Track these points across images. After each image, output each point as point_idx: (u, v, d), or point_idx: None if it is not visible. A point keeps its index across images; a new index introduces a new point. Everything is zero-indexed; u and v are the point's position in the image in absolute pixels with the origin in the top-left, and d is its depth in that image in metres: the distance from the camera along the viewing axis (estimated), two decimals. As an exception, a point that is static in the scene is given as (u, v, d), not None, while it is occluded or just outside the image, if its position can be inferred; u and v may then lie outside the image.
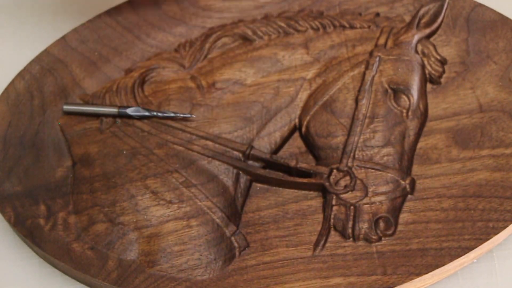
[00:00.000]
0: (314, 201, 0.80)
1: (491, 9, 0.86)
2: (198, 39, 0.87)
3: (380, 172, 0.79)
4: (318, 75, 0.84)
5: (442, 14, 0.85)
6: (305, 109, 0.83)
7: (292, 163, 0.80)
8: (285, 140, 0.83)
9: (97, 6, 0.91)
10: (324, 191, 0.80)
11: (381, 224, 0.78)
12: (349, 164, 0.79)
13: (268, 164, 0.81)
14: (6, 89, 0.86)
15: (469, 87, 0.82)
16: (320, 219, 0.79)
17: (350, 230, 0.78)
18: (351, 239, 0.78)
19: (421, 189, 0.80)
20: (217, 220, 0.79)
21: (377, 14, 0.87)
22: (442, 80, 0.84)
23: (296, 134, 0.83)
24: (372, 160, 0.80)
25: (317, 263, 0.77)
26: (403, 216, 0.79)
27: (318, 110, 0.82)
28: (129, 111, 0.83)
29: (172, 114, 0.83)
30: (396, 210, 0.79)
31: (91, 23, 0.89)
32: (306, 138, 0.82)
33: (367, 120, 0.81)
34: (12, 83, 0.86)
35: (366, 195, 0.78)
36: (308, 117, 0.82)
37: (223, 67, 0.85)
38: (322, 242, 0.78)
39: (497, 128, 0.81)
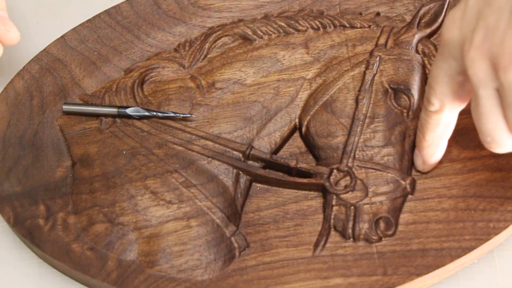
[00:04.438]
0: (314, 201, 0.80)
1: (492, 9, 0.86)
2: (198, 38, 0.87)
3: (380, 172, 0.79)
4: (318, 75, 0.84)
5: (443, 13, 0.85)
6: (305, 109, 0.83)
7: (292, 163, 0.80)
8: (285, 140, 0.83)
9: (96, 5, 0.90)
10: (324, 191, 0.80)
11: (382, 224, 0.78)
12: (350, 164, 0.79)
13: (268, 164, 0.81)
14: (5, 89, 0.86)
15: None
16: (320, 220, 0.79)
17: (350, 230, 0.78)
18: (351, 239, 0.78)
19: (421, 189, 0.79)
20: (217, 221, 0.79)
21: (378, 14, 0.87)
22: (443, 80, 0.84)
23: (296, 134, 0.83)
24: (372, 160, 0.79)
25: (317, 264, 0.77)
26: (404, 216, 0.79)
27: (318, 110, 0.82)
28: (129, 111, 0.83)
29: (172, 114, 0.83)
30: (396, 210, 0.78)
31: (90, 22, 0.88)
32: (306, 138, 0.82)
33: (367, 120, 0.81)
34: (11, 82, 0.86)
35: (366, 195, 0.78)
36: (308, 117, 0.82)
37: (223, 67, 0.85)
38: (322, 243, 0.78)
39: (498, 128, 0.81)
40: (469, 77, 0.69)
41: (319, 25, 0.86)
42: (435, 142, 0.78)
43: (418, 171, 0.80)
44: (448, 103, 0.74)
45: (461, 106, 0.75)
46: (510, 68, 0.66)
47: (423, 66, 0.83)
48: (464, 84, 0.72)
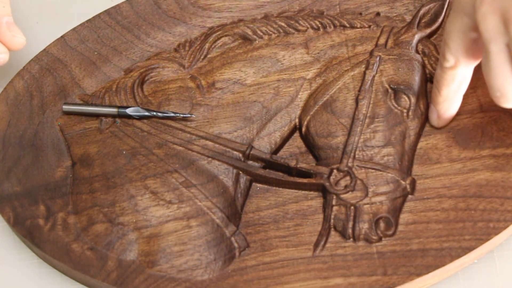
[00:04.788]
0: (314, 201, 0.80)
1: (492, 9, 0.86)
2: (198, 38, 0.87)
3: (380, 172, 0.79)
4: (318, 75, 0.84)
5: (443, 13, 0.85)
6: (305, 109, 0.83)
7: (292, 163, 0.80)
8: (285, 140, 0.83)
9: (96, 5, 0.90)
10: (324, 191, 0.80)
11: (382, 225, 0.78)
12: (350, 164, 0.79)
13: (268, 164, 0.81)
14: (5, 89, 0.86)
15: (469, 86, 0.82)
16: (320, 220, 0.79)
17: (350, 231, 0.78)
18: (351, 239, 0.78)
19: (421, 189, 0.79)
20: (217, 221, 0.79)
21: (378, 14, 0.87)
22: (443, 80, 0.83)
23: (296, 134, 0.83)
24: (372, 160, 0.79)
25: (317, 264, 0.77)
26: (404, 216, 0.78)
27: (318, 110, 0.82)
28: (129, 111, 0.83)
29: (172, 114, 0.83)
30: (396, 210, 0.78)
31: (90, 22, 0.88)
32: (306, 138, 0.82)
33: (367, 120, 0.81)
34: (11, 82, 0.86)
35: (366, 195, 0.78)
36: (308, 117, 0.82)
37: (223, 67, 0.85)
38: (322, 243, 0.78)
39: (497, 128, 0.81)
40: (480, 32, 0.70)
41: (319, 25, 0.86)
42: (450, 97, 0.79)
43: (419, 170, 0.80)
44: (462, 59, 0.75)
45: (475, 62, 0.76)
46: None
47: (423, 66, 0.83)
48: (477, 40, 0.73)
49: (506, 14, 0.68)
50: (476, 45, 0.74)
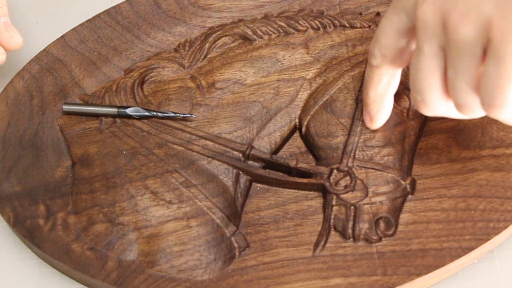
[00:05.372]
0: (314, 201, 0.80)
1: (492, 9, 0.86)
2: (198, 38, 0.87)
3: (380, 172, 0.79)
4: (318, 75, 0.84)
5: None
6: (305, 109, 0.83)
7: (292, 163, 0.80)
8: (285, 140, 0.83)
9: (96, 5, 0.90)
10: (324, 191, 0.80)
11: (382, 225, 0.78)
12: (350, 164, 0.79)
13: (268, 164, 0.81)
14: (5, 89, 0.86)
15: (469, 87, 0.82)
16: (320, 220, 0.79)
17: (350, 231, 0.78)
18: (351, 239, 0.78)
19: (421, 189, 0.79)
20: (217, 221, 0.79)
21: (378, 14, 0.87)
22: (443, 80, 0.84)
23: (296, 134, 0.83)
24: (372, 160, 0.79)
25: (317, 264, 0.77)
26: (404, 216, 0.79)
27: (318, 110, 0.82)
28: (129, 111, 0.83)
29: (172, 114, 0.83)
30: (396, 210, 0.78)
31: (90, 22, 0.89)
32: (306, 138, 0.82)
33: (367, 120, 0.81)
34: (11, 82, 0.86)
35: (366, 195, 0.78)
36: (308, 117, 0.82)
37: (223, 67, 0.85)
38: (322, 243, 0.78)
39: (497, 128, 0.81)
40: (417, 29, 0.68)
41: (319, 25, 0.86)
42: (378, 99, 0.78)
43: (418, 172, 0.80)
44: (390, 58, 0.73)
45: (401, 65, 0.75)
46: (459, 26, 0.65)
47: (423, 66, 0.83)
48: (409, 44, 0.72)
49: (446, 15, 0.66)
50: (406, 48, 0.72)
